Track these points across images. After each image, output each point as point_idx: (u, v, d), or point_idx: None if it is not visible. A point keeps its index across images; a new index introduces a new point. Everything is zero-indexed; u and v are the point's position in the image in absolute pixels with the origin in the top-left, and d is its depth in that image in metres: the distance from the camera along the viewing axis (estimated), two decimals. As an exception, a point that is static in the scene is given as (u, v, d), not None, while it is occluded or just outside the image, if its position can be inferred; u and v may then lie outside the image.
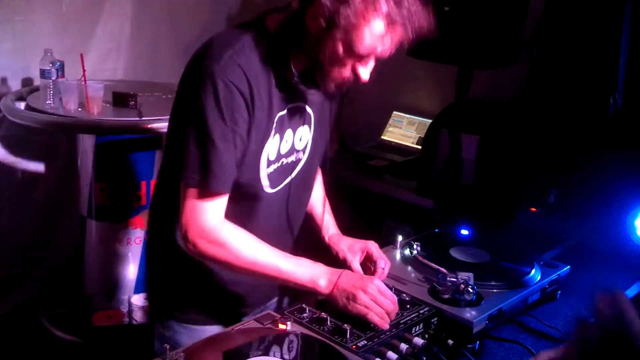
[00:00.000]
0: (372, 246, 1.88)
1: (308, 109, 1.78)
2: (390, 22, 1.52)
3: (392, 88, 3.99)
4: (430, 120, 3.55)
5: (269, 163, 1.71)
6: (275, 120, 1.68)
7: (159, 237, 1.87)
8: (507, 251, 2.02)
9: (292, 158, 1.80)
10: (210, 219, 1.62)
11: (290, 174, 1.81)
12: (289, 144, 1.77)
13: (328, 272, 1.66)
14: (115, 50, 3.79)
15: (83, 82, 3.17)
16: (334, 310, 1.62)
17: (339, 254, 1.92)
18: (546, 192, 2.62)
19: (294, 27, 1.61)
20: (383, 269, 1.81)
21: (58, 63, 3.20)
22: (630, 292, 2.07)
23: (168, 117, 2.98)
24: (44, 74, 3.16)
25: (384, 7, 1.50)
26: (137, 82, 3.64)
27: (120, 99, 3.21)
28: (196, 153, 1.58)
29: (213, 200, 1.62)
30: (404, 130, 3.91)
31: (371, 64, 1.63)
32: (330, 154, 2.24)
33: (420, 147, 3.66)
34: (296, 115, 1.75)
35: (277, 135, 1.71)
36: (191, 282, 1.82)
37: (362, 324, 1.59)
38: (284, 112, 1.70)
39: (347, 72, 1.61)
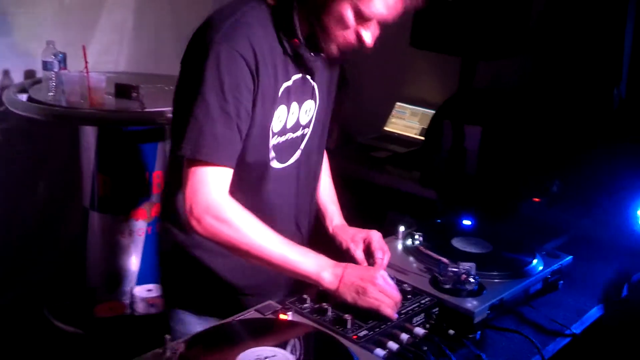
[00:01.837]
0: (374, 236, 1.85)
1: (313, 82, 1.77)
2: None
3: (395, 79, 3.98)
4: (433, 112, 3.54)
5: (273, 134, 1.70)
6: (281, 91, 1.67)
7: (169, 225, 1.84)
8: (509, 241, 2.01)
9: (299, 133, 1.79)
10: (214, 193, 1.58)
11: (298, 149, 1.80)
12: (295, 117, 1.75)
13: (332, 265, 1.63)
14: (118, 41, 3.79)
15: (85, 74, 3.16)
16: (335, 301, 1.62)
17: (342, 244, 1.90)
18: (549, 183, 2.60)
19: None
20: (381, 259, 1.79)
21: (60, 55, 3.21)
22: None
23: (170, 108, 3.00)
24: (46, 66, 3.17)
25: None
26: (139, 74, 3.64)
27: (122, 90, 3.21)
28: (193, 124, 1.56)
29: (215, 172, 1.59)
30: (407, 122, 3.90)
31: (376, 29, 1.63)
32: (331, 145, 2.24)
33: (423, 138, 3.66)
34: (302, 88, 1.74)
35: (284, 107, 1.70)
36: (204, 271, 1.80)
37: (363, 314, 1.58)
38: (290, 82, 1.69)
39: (351, 35, 1.61)
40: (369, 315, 1.58)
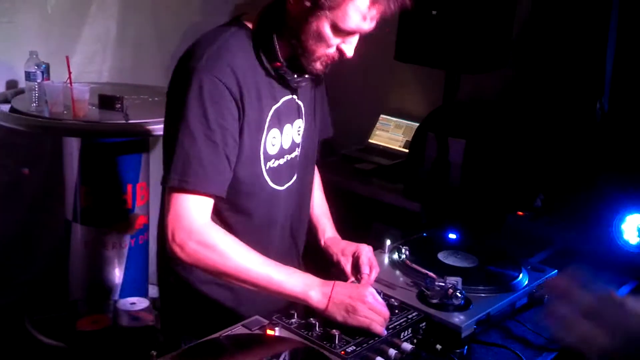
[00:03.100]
0: (363, 250, 1.85)
1: (299, 101, 1.78)
2: None
3: (379, 91, 4.00)
4: (418, 124, 3.55)
5: (270, 158, 1.71)
6: (270, 114, 1.67)
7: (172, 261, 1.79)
8: (495, 255, 2.02)
9: (296, 153, 1.80)
10: (196, 219, 1.58)
11: (295, 169, 1.81)
12: (290, 138, 1.76)
13: (320, 283, 1.62)
14: (101, 52, 3.76)
15: (69, 85, 3.14)
16: (322, 316, 1.61)
17: (333, 257, 1.91)
18: (533, 196, 2.62)
19: (275, 15, 1.62)
20: (368, 275, 1.79)
21: (43, 65, 3.18)
22: (617, 296, 2.07)
23: (154, 119, 3.00)
24: (29, 76, 3.14)
25: None
26: (123, 85, 3.62)
27: (106, 101, 3.19)
28: (179, 153, 1.56)
29: (198, 200, 1.59)
30: (391, 134, 3.91)
31: (355, 39, 1.63)
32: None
33: (407, 150, 3.66)
34: (291, 109, 1.75)
35: (276, 130, 1.70)
36: (210, 304, 1.79)
37: (351, 329, 1.57)
38: (279, 104, 1.70)
39: (332, 51, 1.62)
40: (357, 331, 1.57)
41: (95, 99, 3.19)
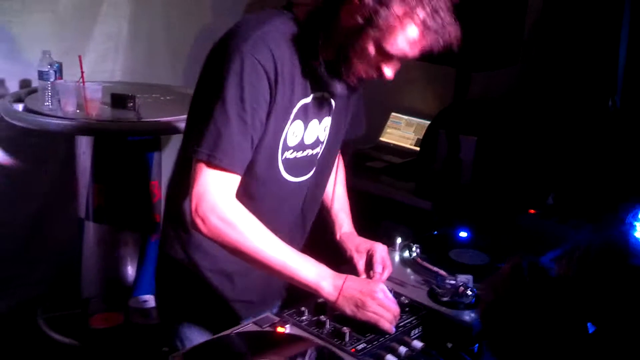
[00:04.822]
0: (377, 248, 1.86)
1: (331, 99, 1.78)
2: (424, 29, 1.55)
3: (390, 89, 3.97)
4: (429, 122, 3.54)
5: (288, 149, 1.72)
6: (298, 107, 1.68)
7: (172, 233, 1.86)
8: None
9: (318, 149, 1.81)
10: (221, 194, 1.60)
11: (314, 165, 1.82)
12: (314, 135, 1.77)
13: (332, 275, 1.64)
14: (113, 51, 3.78)
15: (81, 84, 3.16)
16: (333, 313, 1.62)
17: (347, 252, 1.92)
18: (545, 194, 2.61)
19: (324, 19, 1.63)
20: (380, 274, 1.80)
21: (56, 65, 3.19)
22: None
23: (166, 118, 3.01)
24: (42, 75, 3.15)
25: (420, 14, 1.54)
26: (135, 84, 3.63)
27: (118, 100, 3.20)
28: (212, 129, 1.58)
29: (225, 177, 1.61)
30: (402, 132, 3.91)
31: (397, 63, 1.65)
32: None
33: (418, 148, 3.66)
34: (321, 106, 1.76)
35: (300, 123, 1.71)
36: (202, 283, 1.82)
37: (361, 326, 1.58)
38: (308, 99, 1.71)
39: (372, 70, 1.64)
40: (367, 328, 1.58)
41: (108, 97, 3.20)
